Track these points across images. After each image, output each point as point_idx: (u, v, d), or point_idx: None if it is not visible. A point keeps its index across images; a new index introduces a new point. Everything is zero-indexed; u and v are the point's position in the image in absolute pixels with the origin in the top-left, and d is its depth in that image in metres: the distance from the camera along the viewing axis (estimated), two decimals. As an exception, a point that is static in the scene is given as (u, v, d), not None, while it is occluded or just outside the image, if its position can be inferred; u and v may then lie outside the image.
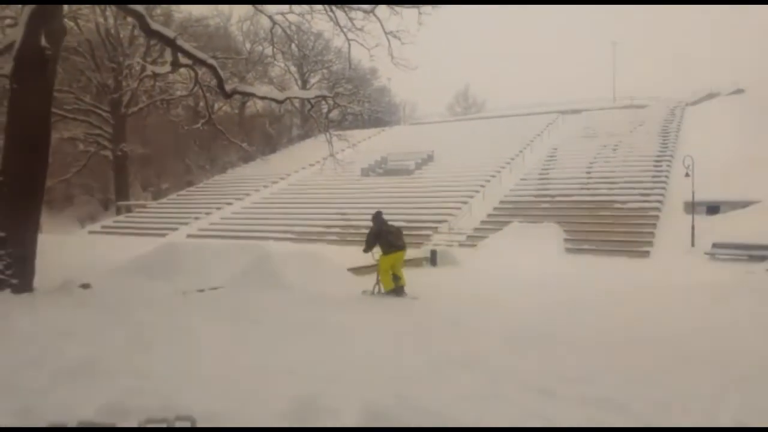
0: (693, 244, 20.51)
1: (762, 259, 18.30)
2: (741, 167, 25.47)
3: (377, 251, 10.56)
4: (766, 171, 23.81)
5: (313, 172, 38.43)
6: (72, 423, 3.01)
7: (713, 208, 23.52)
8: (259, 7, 13.82)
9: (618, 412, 4.17)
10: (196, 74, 13.39)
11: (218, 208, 34.61)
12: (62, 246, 19.56)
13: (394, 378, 4.81)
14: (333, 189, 33.65)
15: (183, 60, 11.68)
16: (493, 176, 31.53)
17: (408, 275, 15.95)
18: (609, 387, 4.83)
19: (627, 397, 4.54)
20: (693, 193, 22.25)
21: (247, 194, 37.07)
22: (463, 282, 14.95)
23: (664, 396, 4.64)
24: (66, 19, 13.97)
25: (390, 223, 11.07)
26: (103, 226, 34.54)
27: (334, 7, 12.68)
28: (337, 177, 31.71)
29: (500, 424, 3.90)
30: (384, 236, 10.42)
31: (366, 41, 13.26)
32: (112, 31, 38.45)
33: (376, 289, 10.46)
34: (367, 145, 43.90)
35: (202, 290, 9.58)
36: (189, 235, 29.17)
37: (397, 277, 10.11)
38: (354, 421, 3.66)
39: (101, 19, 37.08)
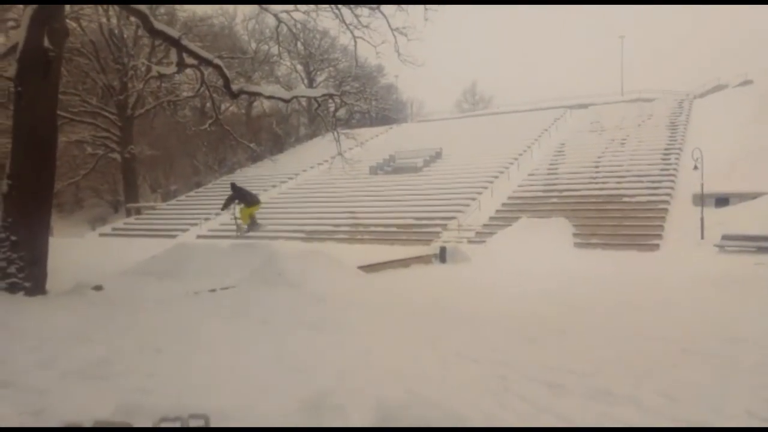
0: (702, 237, 20.37)
1: (771, 250, 18.21)
2: (749, 159, 25.24)
3: (238, 207, 14.46)
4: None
5: (321, 171, 38.38)
6: (87, 423, 3.05)
7: (722, 200, 23.29)
8: (265, 5, 13.81)
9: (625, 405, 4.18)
10: (202, 74, 13.40)
11: (227, 209, 34.77)
12: (73, 249, 19.70)
13: (403, 375, 4.83)
14: (341, 188, 33.65)
15: (188, 60, 11.68)
16: (501, 172, 31.38)
17: (417, 272, 15.94)
18: (616, 380, 4.83)
19: (633, 390, 4.55)
20: (702, 185, 22.06)
21: (256, 194, 37.21)
22: (471, 278, 14.93)
23: (671, 389, 4.63)
24: (68, 20, 14.01)
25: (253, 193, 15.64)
26: (114, 229, 34.77)
27: (339, 5, 12.64)
28: (345, 176, 31.80)
29: (510, 410, 3.92)
30: (244, 197, 14.33)
31: (372, 38, 13.18)
32: (116, 31, 38.41)
33: (238, 227, 15.15)
34: (375, 143, 43.83)
35: (213, 290, 9.63)
36: (199, 236, 29.28)
37: (252, 217, 14.23)
38: (365, 415, 3.69)
39: (104, 20, 36.99)
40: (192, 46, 11.55)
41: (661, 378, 4.99)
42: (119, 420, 3.39)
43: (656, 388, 4.65)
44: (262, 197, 36.14)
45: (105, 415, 3.50)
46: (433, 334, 6.85)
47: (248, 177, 41.97)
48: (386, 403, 3.89)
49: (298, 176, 39.73)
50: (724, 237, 19.36)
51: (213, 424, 2.85)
